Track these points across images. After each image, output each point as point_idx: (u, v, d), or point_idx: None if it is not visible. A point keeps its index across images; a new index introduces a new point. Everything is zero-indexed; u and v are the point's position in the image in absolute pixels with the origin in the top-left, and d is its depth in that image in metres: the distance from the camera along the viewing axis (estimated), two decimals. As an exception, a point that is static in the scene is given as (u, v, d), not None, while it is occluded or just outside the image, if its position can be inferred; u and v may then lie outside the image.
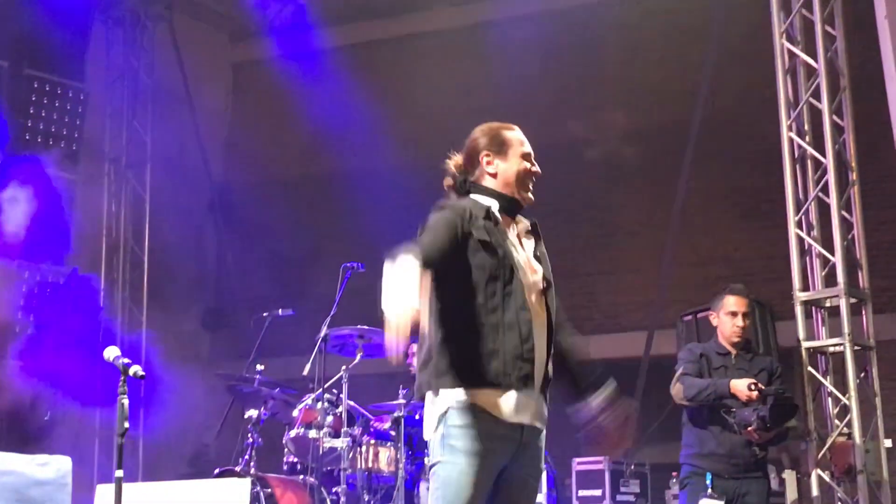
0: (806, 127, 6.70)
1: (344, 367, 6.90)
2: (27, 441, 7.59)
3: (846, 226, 6.49)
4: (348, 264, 6.88)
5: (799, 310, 6.48)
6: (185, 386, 9.51)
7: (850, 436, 6.17)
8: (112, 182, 9.34)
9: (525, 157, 3.64)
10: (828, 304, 6.52)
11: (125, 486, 4.23)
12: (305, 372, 6.71)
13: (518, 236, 3.62)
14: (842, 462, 6.13)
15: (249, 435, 7.02)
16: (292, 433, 6.85)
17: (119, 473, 4.26)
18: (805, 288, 6.54)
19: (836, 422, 6.30)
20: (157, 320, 9.25)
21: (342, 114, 9.33)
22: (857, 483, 6.09)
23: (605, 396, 3.57)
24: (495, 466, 3.41)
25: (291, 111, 9.61)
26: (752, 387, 5.28)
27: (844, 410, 6.24)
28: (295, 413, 6.93)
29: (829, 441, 6.25)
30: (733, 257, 9.97)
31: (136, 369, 4.09)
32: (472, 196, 3.60)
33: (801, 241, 6.60)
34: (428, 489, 6.94)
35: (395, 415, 6.80)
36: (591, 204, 10.63)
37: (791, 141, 6.70)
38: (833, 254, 6.41)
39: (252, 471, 6.69)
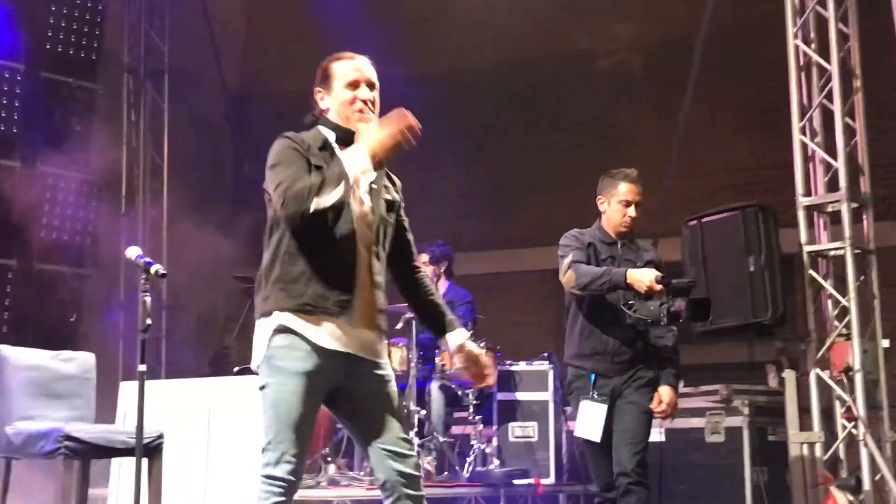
0: (812, 35, 6.56)
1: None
2: (53, 340, 7.59)
3: (849, 132, 6.39)
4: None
5: (801, 215, 6.42)
6: (204, 290, 9.53)
7: (848, 336, 6.13)
8: (131, 92, 9.23)
9: (350, 85, 3.55)
10: (829, 210, 6.44)
11: (148, 383, 4.24)
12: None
13: None
14: (840, 361, 6.10)
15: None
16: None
17: (142, 368, 4.26)
18: (808, 193, 6.46)
19: (836, 323, 6.26)
20: (177, 226, 9.20)
21: (358, 22, 9.18)
22: (854, 382, 6.07)
23: (456, 344, 3.62)
24: (323, 384, 3.38)
25: (307, 21, 9.43)
26: (658, 279, 4.75)
27: (844, 312, 6.20)
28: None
29: (828, 342, 6.22)
30: (737, 168, 9.88)
31: (157, 268, 4.07)
32: (318, 128, 3.57)
33: (804, 147, 6.51)
34: (439, 388, 7.04)
35: (407, 316, 6.79)
36: (597, 116, 10.51)
37: (797, 49, 6.58)
38: (836, 159, 6.32)
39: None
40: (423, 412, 6.97)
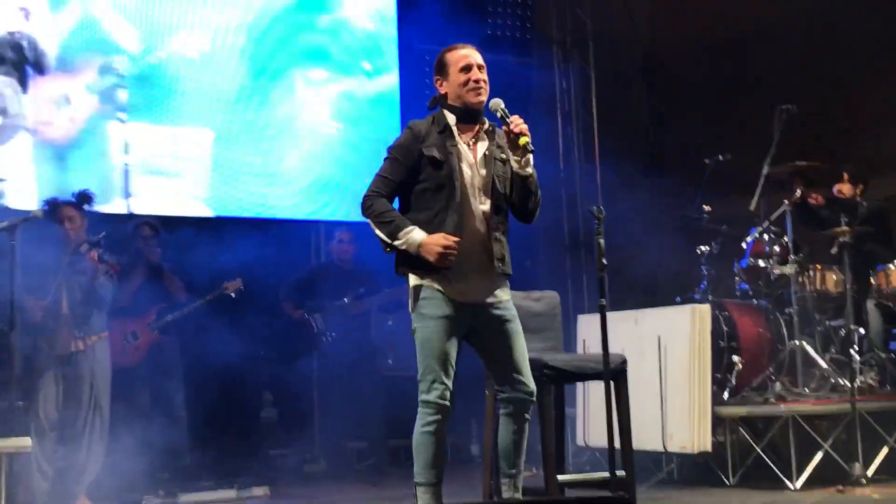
0: None
1: (786, 201, 6.51)
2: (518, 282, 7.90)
3: None
4: (783, 106, 6.47)
5: None
6: (634, 227, 9.46)
7: None
8: (560, 62, 9.34)
9: (463, 69, 3.83)
10: None
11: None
12: (752, 207, 6.43)
13: (474, 140, 3.87)
14: None
15: (703, 267, 6.86)
16: (744, 263, 6.61)
17: (602, 301, 4.27)
18: None
19: None
20: (606, 172, 9.19)
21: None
22: None
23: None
24: (460, 327, 3.82)
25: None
26: None
27: None
28: (743, 245, 6.67)
29: None
30: None
31: (601, 212, 4.07)
32: (440, 111, 3.89)
33: None
34: (875, 306, 6.51)
35: (842, 240, 6.33)
36: None
37: None
38: None
39: (710, 297, 6.55)
40: (862, 330, 6.48)
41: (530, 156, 3.80)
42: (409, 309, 3.87)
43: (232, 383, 7.06)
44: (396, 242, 3.77)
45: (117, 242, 6.28)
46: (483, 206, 3.83)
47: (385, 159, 3.88)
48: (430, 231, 3.76)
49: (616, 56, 9.62)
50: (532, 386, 3.93)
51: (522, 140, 3.73)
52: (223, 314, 6.84)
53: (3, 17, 7.07)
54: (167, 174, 7.43)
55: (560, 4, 9.36)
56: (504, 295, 3.93)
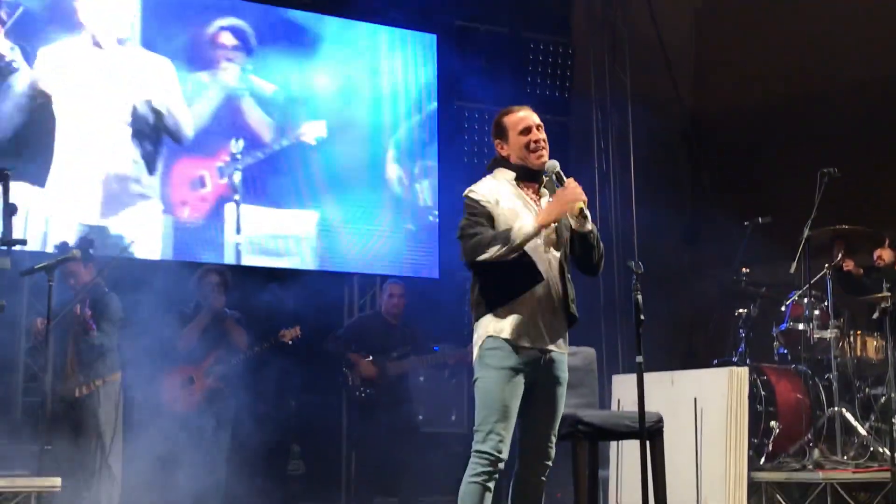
0: None
1: (827, 265, 6.45)
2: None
3: None
4: (825, 169, 6.43)
5: None
6: (672, 290, 9.39)
7: None
8: (599, 120, 9.37)
9: (523, 131, 3.88)
10: None
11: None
12: (792, 270, 6.36)
13: (537, 195, 3.93)
14: None
15: (741, 330, 6.78)
16: (783, 327, 6.52)
17: (639, 359, 4.24)
18: None
19: None
20: (644, 237, 9.16)
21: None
22: None
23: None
24: (522, 380, 3.80)
25: (754, 39, 9.02)
26: None
27: None
28: (783, 308, 6.59)
29: None
30: None
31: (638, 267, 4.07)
32: (500, 169, 3.95)
33: None
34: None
35: (883, 305, 6.23)
36: None
37: None
38: None
39: (747, 361, 6.46)
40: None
41: (588, 214, 3.87)
42: (474, 357, 3.87)
43: (269, 434, 7.01)
44: (517, 243, 3.73)
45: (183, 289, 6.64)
46: (554, 254, 3.89)
47: (466, 216, 3.89)
48: (505, 281, 3.80)
49: (656, 117, 9.63)
50: (554, 453, 3.93)
51: (578, 205, 3.79)
52: (280, 363, 6.85)
53: (146, 89, 7.45)
54: (276, 254, 7.84)
55: (599, 64, 9.40)
56: (565, 347, 3.95)
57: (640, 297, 4.27)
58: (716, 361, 6.69)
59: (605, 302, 9.18)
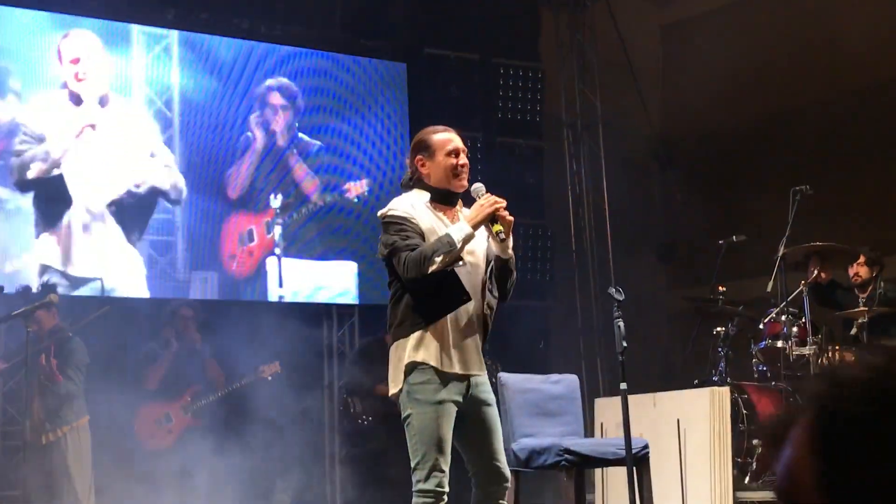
0: None
1: (803, 282, 6.48)
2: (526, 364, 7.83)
3: None
4: (797, 187, 6.48)
5: None
6: (648, 311, 9.41)
7: None
8: (571, 144, 9.40)
9: (451, 154, 3.78)
10: None
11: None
12: (769, 289, 6.38)
13: (451, 219, 3.79)
14: None
15: (720, 349, 6.79)
16: (762, 345, 6.54)
17: (623, 386, 4.24)
18: None
19: None
20: (620, 258, 9.20)
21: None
22: None
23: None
24: (454, 408, 3.70)
25: (718, 64, 9.10)
26: None
27: None
28: (761, 326, 6.62)
29: None
30: None
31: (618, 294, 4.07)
32: (415, 190, 3.83)
33: None
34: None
35: (860, 321, 6.27)
36: None
37: None
38: None
39: (728, 380, 6.47)
40: None
41: (510, 241, 3.76)
42: (394, 390, 3.72)
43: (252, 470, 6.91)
44: (460, 246, 3.61)
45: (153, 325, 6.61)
46: (479, 274, 3.78)
47: (393, 233, 3.73)
48: (434, 300, 3.69)
49: (628, 138, 9.68)
50: (508, 473, 3.82)
51: (496, 227, 3.69)
52: (256, 399, 6.77)
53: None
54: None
55: (569, 88, 9.44)
56: (484, 367, 3.86)
57: (622, 324, 4.27)
58: (696, 381, 6.70)
59: (584, 325, 9.18)
